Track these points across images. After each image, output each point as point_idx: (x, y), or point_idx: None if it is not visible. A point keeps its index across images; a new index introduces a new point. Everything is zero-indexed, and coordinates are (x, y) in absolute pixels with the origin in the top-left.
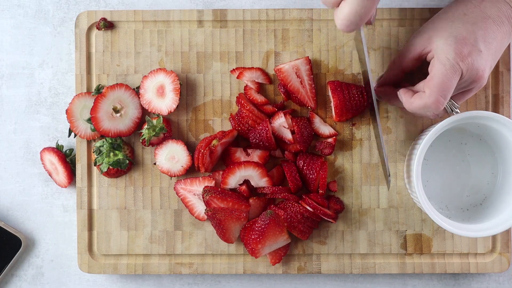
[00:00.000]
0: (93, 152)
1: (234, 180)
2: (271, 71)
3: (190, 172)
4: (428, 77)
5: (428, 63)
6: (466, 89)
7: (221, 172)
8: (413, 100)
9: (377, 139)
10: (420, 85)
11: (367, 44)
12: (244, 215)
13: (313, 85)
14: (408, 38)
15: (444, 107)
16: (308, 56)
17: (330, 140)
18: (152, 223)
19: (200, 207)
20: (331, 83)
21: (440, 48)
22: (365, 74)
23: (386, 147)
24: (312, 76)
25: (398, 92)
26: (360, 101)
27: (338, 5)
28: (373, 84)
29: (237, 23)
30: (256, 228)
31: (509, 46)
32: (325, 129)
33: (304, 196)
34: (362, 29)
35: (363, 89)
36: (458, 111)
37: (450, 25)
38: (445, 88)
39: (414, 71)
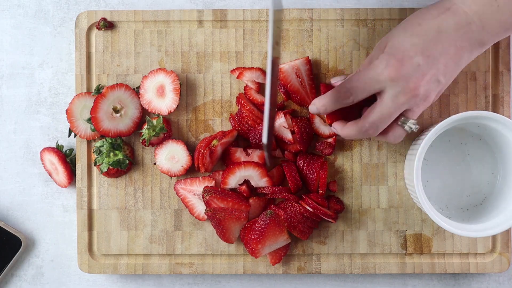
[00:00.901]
0: (93, 152)
1: (234, 180)
2: None
3: (190, 172)
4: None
5: None
6: (407, 105)
7: (221, 172)
8: (328, 92)
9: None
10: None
11: (368, 45)
12: (244, 215)
13: (313, 85)
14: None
15: (402, 127)
16: (308, 56)
17: (330, 140)
18: (152, 223)
19: (200, 207)
20: (323, 86)
21: (380, 56)
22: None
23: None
24: (312, 76)
25: (333, 125)
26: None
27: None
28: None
29: (237, 23)
30: (256, 228)
31: (509, 46)
32: (325, 129)
33: (304, 196)
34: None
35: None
36: (417, 126)
37: (401, 34)
38: (357, 85)
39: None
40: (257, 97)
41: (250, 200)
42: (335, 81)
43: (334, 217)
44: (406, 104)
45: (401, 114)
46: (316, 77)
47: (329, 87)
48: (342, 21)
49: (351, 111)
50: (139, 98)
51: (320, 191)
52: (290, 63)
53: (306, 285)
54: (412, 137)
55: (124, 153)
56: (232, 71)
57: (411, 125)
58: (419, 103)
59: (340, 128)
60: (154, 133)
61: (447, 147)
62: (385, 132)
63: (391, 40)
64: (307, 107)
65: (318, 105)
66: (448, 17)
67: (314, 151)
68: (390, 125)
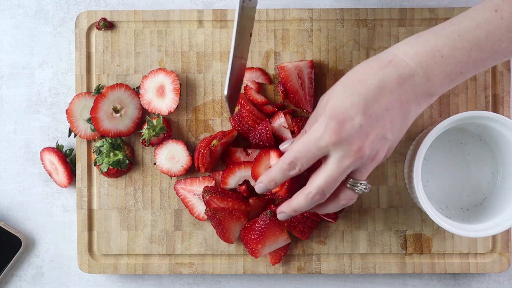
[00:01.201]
0: (93, 152)
1: (234, 180)
2: (271, 71)
3: (190, 172)
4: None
5: None
6: (353, 167)
7: (221, 172)
8: (273, 165)
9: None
10: None
11: (368, 45)
12: (244, 215)
13: (312, 89)
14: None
15: (352, 189)
16: (312, 60)
17: None
18: (152, 223)
19: (200, 207)
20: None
21: (319, 118)
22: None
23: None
24: (313, 80)
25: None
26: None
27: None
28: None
29: None
30: (256, 228)
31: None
32: None
33: None
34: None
35: None
36: (368, 187)
37: (341, 93)
38: (299, 155)
39: None
40: (257, 97)
41: (250, 200)
42: (283, 147)
43: (334, 217)
44: (352, 166)
45: (349, 176)
46: (315, 77)
47: (280, 153)
48: (342, 21)
49: (300, 180)
50: (139, 98)
51: None
52: (294, 63)
53: (306, 285)
54: (412, 137)
55: (124, 153)
56: None
57: (361, 187)
58: (367, 163)
59: (287, 206)
60: (154, 133)
61: (447, 147)
62: (335, 196)
63: (331, 100)
64: (304, 110)
65: (266, 181)
66: (390, 70)
67: None
68: (338, 189)
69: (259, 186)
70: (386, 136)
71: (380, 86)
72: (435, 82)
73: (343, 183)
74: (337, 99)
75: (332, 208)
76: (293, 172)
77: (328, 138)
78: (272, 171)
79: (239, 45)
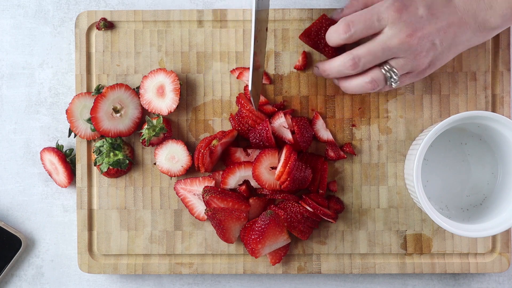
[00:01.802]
0: (93, 152)
1: (234, 180)
2: (271, 71)
3: (190, 172)
4: None
5: None
6: (396, 50)
7: (221, 172)
8: (331, 27)
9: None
10: None
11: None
12: (244, 215)
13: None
14: None
15: (382, 71)
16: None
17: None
18: (152, 223)
19: (200, 207)
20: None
21: None
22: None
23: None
24: None
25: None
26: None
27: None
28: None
29: (237, 23)
30: (256, 228)
31: (509, 46)
32: (324, 134)
33: (304, 196)
34: (253, 9)
35: None
36: (398, 81)
37: None
38: (358, 18)
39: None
40: None
41: (250, 200)
42: (334, 14)
43: (334, 217)
44: (396, 48)
45: (387, 62)
46: (316, 77)
47: (333, 21)
48: None
49: (303, 172)
50: (139, 98)
51: (320, 191)
52: None
53: (306, 285)
54: (412, 137)
55: (124, 153)
56: (232, 71)
57: (392, 75)
58: (408, 56)
59: (322, 64)
60: (154, 133)
61: (447, 147)
62: (364, 73)
63: None
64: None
65: (330, 36)
66: None
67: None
68: (371, 68)
69: (316, 70)
70: (435, 41)
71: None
72: (497, 11)
73: (379, 66)
74: None
75: (355, 83)
76: (344, 36)
77: (390, 12)
78: (328, 31)
79: (257, 41)
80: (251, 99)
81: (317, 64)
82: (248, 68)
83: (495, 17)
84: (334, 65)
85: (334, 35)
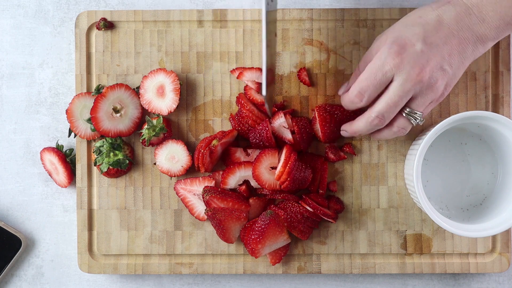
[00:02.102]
0: (93, 152)
1: (234, 180)
2: None
3: (190, 172)
4: None
5: None
6: (413, 92)
7: (221, 172)
8: (342, 98)
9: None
10: None
11: (368, 45)
12: (244, 215)
13: None
14: None
15: (405, 117)
16: None
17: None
18: (152, 223)
19: (200, 207)
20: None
21: (381, 47)
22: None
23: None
24: None
25: (342, 87)
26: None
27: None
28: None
29: (237, 23)
30: (256, 228)
31: (509, 46)
32: None
33: (304, 196)
34: (264, 11)
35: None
36: (422, 118)
37: (402, 27)
38: (367, 83)
39: None
40: (257, 97)
41: (250, 200)
42: (341, 91)
43: (334, 217)
44: (412, 91)
45: (406, 105)
46: (316, 77)
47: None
48: (342, 21)
49: (303, 172)
50: (139, 98)
51: (320, 191)
52: None
53: (306, 285)
54: (412, 137)
55: (124, 153)
56: (232, 71)
57: (416, 117)
58: (425, 91)
59: (349, 126)
60: (154, 133)
61: (447, 147)
62: (390, 124)
63: (391, 33)
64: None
65: (347, 105)
66: (448, 8)
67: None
68: (394, 117)
69: (343, 133)
70: (445, 67)
71: (439, 20)
72: (490, 24)
73: (400, 112)
74: (397, 32)
75: (385, 134)
76: (360, 104)
77: (391, 61)
78: (342, 102)
79: (269, 46)
80: (266, 105)
81: (344, 128)
82: (248, 68)
83: (489, 30)
84: (361, 126)
85: (352, 105)
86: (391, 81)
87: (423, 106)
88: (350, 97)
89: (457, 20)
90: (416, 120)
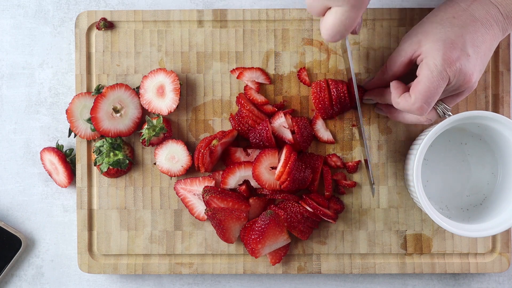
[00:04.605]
0: (93, 152)
1: (234, 180)
2: (271, 71)
3: (190, 172)
4: (415, 80)
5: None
6: (456, 92)
7: (221, 172)
8: (399, 100)
9: (362, 144)
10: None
11: (368, 45)
12: (244, 215)
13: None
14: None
15: (437, 111)
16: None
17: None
18: (152, 223)
19: (200, 207)
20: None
21: (428, 53)
22: (350, 81)
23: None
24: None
25: (391, 83)
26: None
27: (323, 15)
28: (357, 91)
29: (237, 23)
30: (256, 228)
31: (509, 46)
32: (324, 134)
33: (304, 196)
34: (347, 37)
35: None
36: (450, 113)
37: (439, 28)
38: (430, 95)
39: (406, 75)
40: (257, 97)
41: (250, 200)
42: (368, 84)
43: (334, 217)
44: (460, 94)
45: (441, 99)
46: (316, 77)
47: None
48: None
49: (303, 172)
50: (139, 98)
51: (326, 193)
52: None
53: (306, 285)
54: (412, 137)
55: (124, 153)
56: (232, 71)
57: (446, 111)
58: (466, 92)
59: (382, 96)
60: (154, 133)
61: (447, 147)
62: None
63: (431, 36)
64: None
65: (396, 119)
66: (477, 7)
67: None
68: None
69: (378, 109)
70: (481, 68)
71: (474, 20)
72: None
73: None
74: (438, 33)
75: (411, 119)
76: (422, 115)
77: (449, 68)
78: (399, 104)
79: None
80: (370, 173)
81: (372, 97)
82: (248, 68)
83: (509, 26)
84: (402, 105)
85: (412, 118)
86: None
87: (454, 103)
88: (413, 108)
89: (487, 18)
90: (444, 114)
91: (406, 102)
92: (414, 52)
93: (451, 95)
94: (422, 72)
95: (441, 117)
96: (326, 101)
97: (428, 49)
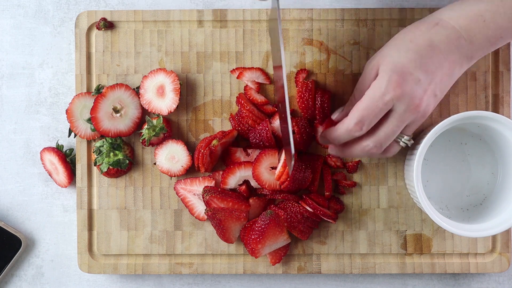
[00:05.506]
0: (93, 152)
1: (234, 180)
2: (271, 71)
3: (190, 172)
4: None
5: None
6: (409, 121)
7: (221, 172)
8: (338, 126)
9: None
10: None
11: (368, 45)
12: (244, 215)
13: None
14: None
15: (399, 144)
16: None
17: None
18: (152, 223)
19: (200, 207)
20: (328, 121)
21: (379, 75)
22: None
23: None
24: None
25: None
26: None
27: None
28: (285, 77)
29: (237, 23)
30: (256, 228)
31: (509, 46)
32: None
33: (304, 196)
34: (279, 18)
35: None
36: (412, 141)
37: (394, 51)
38: (367, 114)
39: None
40: (257, 97)
41: (250, 200)
42: (335, 116)
43: (334, 217)
44: (409, 120)
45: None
46: (316, 77)
47: (335, 122)
48: (342, 21)
49: (303, 173)
50: (139, 98)
51: (326, 193)
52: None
53: (306, 285)
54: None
55: (124, 153)
56: (232, 71)
57: (406, 141)
58: (419, 119)
59: (340, 150)
60: (154, 133)
61: (447, 147)
62: (384, 150)
63: (386, 59)
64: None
65: (330, 139)
66: (438, 31)
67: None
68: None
69: (321, 139)
70: (436, 93)
71: (431, 45)
72: (476, 46)
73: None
74: (392, 57)
75: (374, 155)
76: (359, 133)
77: (392, 91)
78: (337, 131)
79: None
80: (291, 162)
81: (332, 152)
82: (248, 68)
83: (476, 51)
84: (356, 152)
85: (347, 134)
86: (391, 110)
87: (412, 131)
88: (348, 126)
89: (447, 43)
90: (406, 143)
91: (343, 123)
92: (374, 77)
93: (408, 125)
94: (366, 92)
95: (403, 146)
96: (309, 102)
97: (379, 71)
